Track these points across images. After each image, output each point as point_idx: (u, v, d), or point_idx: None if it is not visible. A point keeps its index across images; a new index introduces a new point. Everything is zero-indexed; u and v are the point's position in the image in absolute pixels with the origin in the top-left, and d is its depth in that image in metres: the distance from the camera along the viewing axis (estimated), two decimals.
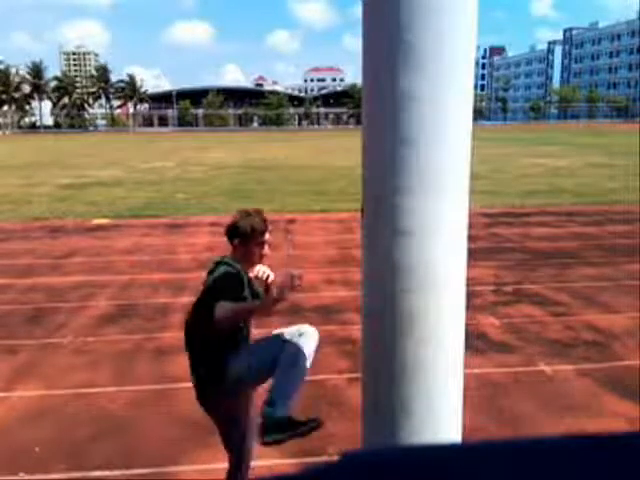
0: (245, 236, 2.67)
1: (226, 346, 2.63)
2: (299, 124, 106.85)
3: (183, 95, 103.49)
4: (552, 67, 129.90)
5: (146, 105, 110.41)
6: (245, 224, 2.67)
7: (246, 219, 2.68)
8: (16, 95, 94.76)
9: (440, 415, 1.52)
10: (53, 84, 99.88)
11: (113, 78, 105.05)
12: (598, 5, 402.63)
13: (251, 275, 2.75)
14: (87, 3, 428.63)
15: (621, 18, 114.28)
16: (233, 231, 2.70)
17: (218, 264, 2.69)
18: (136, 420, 3.99)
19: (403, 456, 0.40)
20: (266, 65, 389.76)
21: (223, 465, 3.48)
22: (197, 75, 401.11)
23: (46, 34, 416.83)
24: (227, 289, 2.59)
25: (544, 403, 4.17)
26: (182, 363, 4.89)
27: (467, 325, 1.48)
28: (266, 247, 2.72)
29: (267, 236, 2.71)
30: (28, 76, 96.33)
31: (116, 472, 3.39)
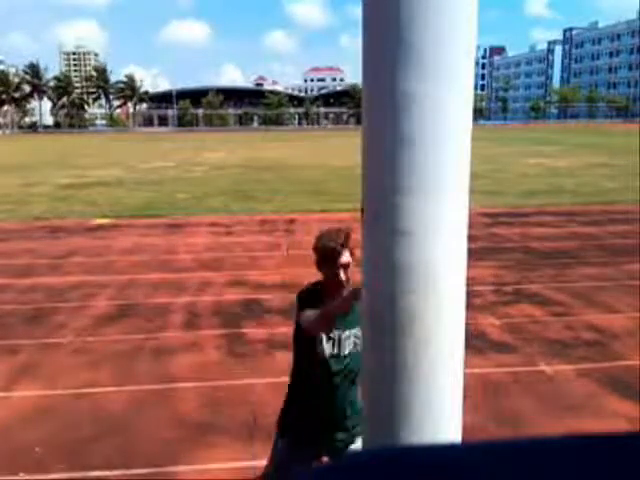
0: (319, 260, 2.42)
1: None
2: (299, 124, 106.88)
3: (183, 95, 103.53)
4: (552, 67, 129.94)
5: (146, 105, 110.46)
6: (318, 246, 2.41)
7: (320, 241, 2.42)
8: (16, 95, 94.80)
9: (440, 415, 1.52)
10: (53, 84, 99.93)
11: (110, 78, 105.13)
12: (592, 5, 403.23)
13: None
14: (83, 3, 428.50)
15: (620, 18, 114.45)
16: (316, 255, 2.44)
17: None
18: (136, 420, 3.99)
19: (403, 456, 0.40)
20: (263, 65, 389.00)
21: (222, 465, 3.48)
22: (195, 74, 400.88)
23: (43, 34, 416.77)
24: (304, 301, 2.46)
25: (544, 403, 4.17)
26: (182, 363, 4.91)
27: (467, 325, 1.48)
28: (341, 272, 2.38)
29: (344, 259, 2.37)
30: (27, 76, 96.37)
31: (116, 472, 3.39)
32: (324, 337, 2.40)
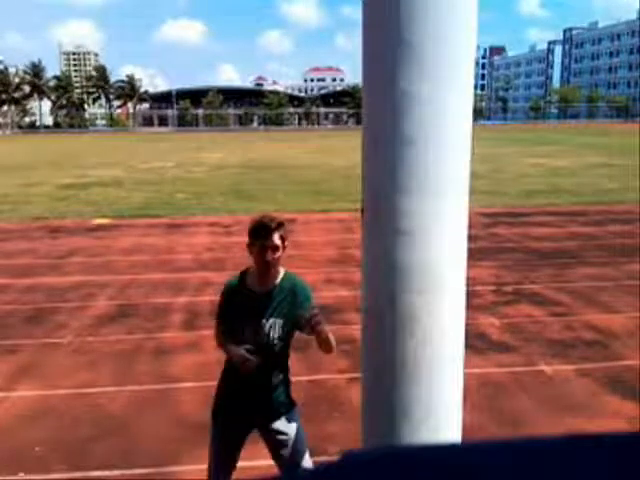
0: (250, 240, 2.51)
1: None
2: (299, 124, 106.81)
3: (183, 95, 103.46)
4: (552, 67, 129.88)
5: (146, 105, 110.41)
6: (252, 225, 2.52)
7: (254, 220, 2.54)
8: (16, 95, 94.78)
9: (440, 415, 1.52)
10: (53, 84, 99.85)
11: (110, 78, 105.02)
12: (588, 4, 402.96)
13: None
14: (81, 3, 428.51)
15: (620, 18, 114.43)
16: (248, 235, 2.55)
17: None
18: (136, 420, 3.99)
19: (403, 456, 0.40)
20: (260, 64, 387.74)
21: None
22: (192, 75, 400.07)
23: (40, 34, 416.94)
24: (219, 304, 2.66)
25: (544, 403, 4.16)
26: (182, 363, 4.91)
27: (467, 325, 1.48)
28: (269, 252, 2.46)
29: (272, 240, 2.46)
30: (27, 76, 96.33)
31: (116, 472, 3.39)
32: (246, 327, 2.55)
